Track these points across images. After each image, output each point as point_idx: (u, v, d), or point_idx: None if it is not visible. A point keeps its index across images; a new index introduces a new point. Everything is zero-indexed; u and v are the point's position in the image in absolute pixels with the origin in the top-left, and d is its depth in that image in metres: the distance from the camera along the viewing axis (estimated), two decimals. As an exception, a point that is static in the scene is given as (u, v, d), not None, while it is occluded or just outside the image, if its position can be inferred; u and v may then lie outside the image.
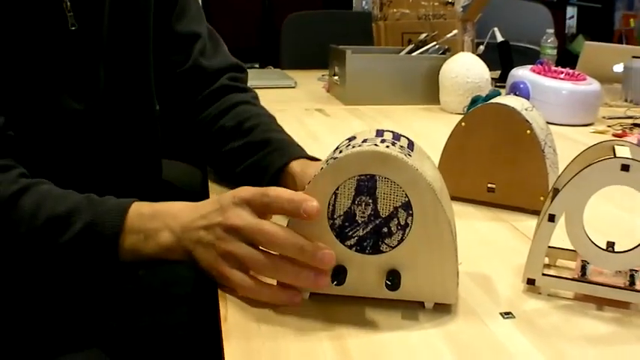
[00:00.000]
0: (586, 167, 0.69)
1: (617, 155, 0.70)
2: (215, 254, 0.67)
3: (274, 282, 0.67)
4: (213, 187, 1.05)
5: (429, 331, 0.63)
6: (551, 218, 0.70)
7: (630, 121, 1.69)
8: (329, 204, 0.64)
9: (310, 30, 2.66)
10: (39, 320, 0.88)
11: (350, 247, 0.65)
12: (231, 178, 1.04)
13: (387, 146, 0.64)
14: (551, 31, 2.47)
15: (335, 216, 0.64)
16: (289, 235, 0.65)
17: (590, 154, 0.77)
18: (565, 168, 0.79)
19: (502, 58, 2.23)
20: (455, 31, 1.92)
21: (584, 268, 0.72)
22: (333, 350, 0.60)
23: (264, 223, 0.66)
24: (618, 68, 2.13)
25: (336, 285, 0.65)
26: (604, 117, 1.74)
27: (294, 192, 0.66)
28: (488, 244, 0.86)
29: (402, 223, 0.64)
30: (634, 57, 2.03)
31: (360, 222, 0.64)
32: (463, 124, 0.99)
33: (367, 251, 0.65)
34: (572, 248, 0.77)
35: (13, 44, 0.85)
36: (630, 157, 0.68)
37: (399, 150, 0.64)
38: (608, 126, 1.63)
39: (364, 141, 0.65)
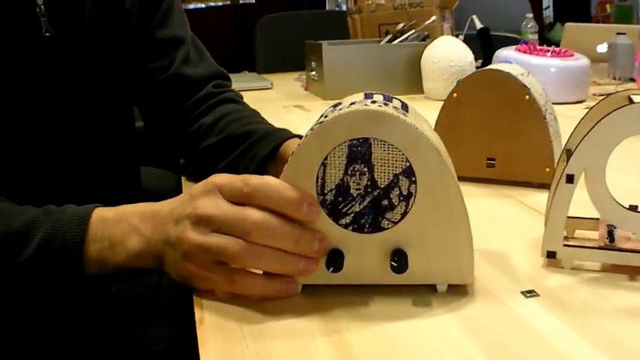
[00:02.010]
0: (605, 116, 0.60)
1: (636, 102, 0.62)
2: (181, 251, 0.58)
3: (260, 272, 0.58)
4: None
5: (444, 318, 0.54)
6: (570, 179, 0.62)
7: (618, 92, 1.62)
8: (317, 177, 0.55)
9: (284, 32, 2.59)
10: (10, 345, 0.79)
11: (346, 226, 0.56)
12: None
13: (380, 106, 0.55)
14: (531, 15, 2.41)
15: (325, 191, 0.55)
16: (280, 222, 0.56)
17: (603, 107, 0.69)
18: (576, 126, 0.71)
19: (483, 45, 2.16)
20: (433, 17, 1.85)
21: (611, 234, 0.64)
22: (330, 348, 0.51)
23: (247, 209, 0.56)
24: (602, 48, 2.07)
25: (332, 272, 0.56)
26: (594, 94, 1.67)
27: (285, 183, 0.56)
28: (497, 221, 0.77)
29: (405, 192, 0.55)
30: (618, 33, 1.98)
31: (355, 195, 0.55)
32: (455, 95, 0.91)
33: (366, 230, 0.56)
34: (590, 216, 0.70)
35: None
36: (654, 102, 0.60)
37: (394, 110, 0.55)
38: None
39: (352, 104, 0.56)
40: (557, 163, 0.72)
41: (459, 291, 0.58)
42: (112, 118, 0.96)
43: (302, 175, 0.55)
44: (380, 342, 0.51)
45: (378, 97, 0.58)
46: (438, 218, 0.55)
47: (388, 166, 0.54)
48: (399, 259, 0.55)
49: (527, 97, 0.87)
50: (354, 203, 0.55)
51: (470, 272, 0.57)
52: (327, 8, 4.01)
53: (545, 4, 4.26)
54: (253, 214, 0.55)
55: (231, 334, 0.53)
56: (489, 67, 0.92)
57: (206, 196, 0.58)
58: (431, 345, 0.51)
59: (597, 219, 0.70)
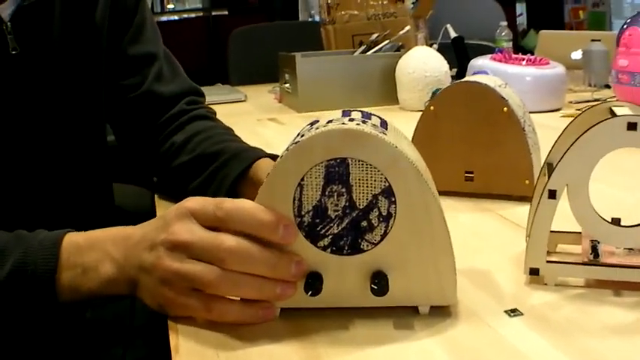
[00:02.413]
0: (587, 130, 0.59)
1: (618, 115, 0.61)
2: (156, 278, 0.56)
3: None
4: (162, 208, 0.93)
5: (428, 341, 0.53)
6: (552, 194, 0.60)
7: (599, 103, 1.62)
8: (294, 199, 0.53)
9: (257, 44, 2.56)
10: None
11: (324, 248, 0.54)
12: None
13: (358, 124, 0.53)
14: (505, 23, 2.41)
15: (303, 212, 0.53)
16: (256, 248, 0.54)
17: (585, 119, 0.68)
18: (557, 139, 0.70)
19: (458, 54, 2.15)
20: (407, 27, 1.84)
21: (595, 249, 0.63)
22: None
23: (221, 235, 0.55)
24: (576, 55, 2.07)
25: (310, 296, 0.54)
26: (570, 102, 1.67)
27: (259, 206, 0.54)
28: (477, 236, 0.76)
29: (384, 213, 0.53)
30: (593, 40, 1.98)
31: (333, 217, 0.53)
32: (432, 108, 0.90)
33: (345, 251, 0.54)
34: (572, 230, 0.68)
35: None
36: (636, 114, 0.59)
37: (372, 128, 0.53)
38: (578, 110, 1.56)
39: (329, 122, 0.54)
40: (538, 177, 0.71)
41: (441, 312, 0.57)
42: (83, 135, 0.94)
43: (278, 196, 0.53)
44: (362, 369, 0.49)
45: (356, 115, 0.56)
46: (419, 239, 0.54)
47: (367, 187, 0.53)
48: (379, 282, 0.53)
49: (505, 109, 0.86)
50: (332, 225, 0.53)
51: (453, 293, 0.56)
52: (300, 19, 4.00)
53: (518, 11, 4.29)
54: (227, 240, 0.54)
55: (208, 363, 0.51)
56: (466, 79, 0.91)
57: (180, 221, 0.56)
58: (415, 371, 0.49)
59: (580, 233, 0.69)
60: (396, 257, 0.54)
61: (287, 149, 0.53)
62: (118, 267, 0.59)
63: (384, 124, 0.57)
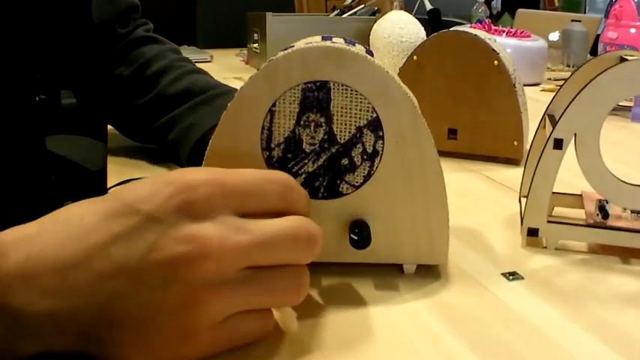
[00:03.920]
0: (601, 74, 0.51)
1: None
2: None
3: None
4: (113, 165, 0.82)
5: (415, 304, 0.44)
6: (558, 144, 0.53)
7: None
8: (263, 128, 0.44)
9: (226, 6, 2.45)
10: None
11: (296, 190, 0.45)
12: (142, 150, 0.82)
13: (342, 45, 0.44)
14: (482, 0, 2.35)
15: (272, 145, 0.44)
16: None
17: (591, 68, 0.60)
18: (558, 90, 0.62)
19: (433, 27, 2.08)
20: (384, -7, 1.75)
21: (603, 209, 0.55)
22: (284, 343, 0.40)
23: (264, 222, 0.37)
24: (554, 36, 2.02)
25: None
26: (549, 79, 1.60)
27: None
28: (464, 196, 0.68)
29: (369, 150, 0.44)
30: (573, 20, 1.93)
31: (308, 152, 0.44)
32: (415, 57, 0.81)
33: (321, 194, 0.45)
34: (571, 192, 0.61)
35: None
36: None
37: (358, 50, 0.45)
38: (557, 85, 1.50)
39: (308, 44, 0.46)
40: (536, 131, 0.63)
41: (430, 273, 0.49)
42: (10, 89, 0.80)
43: (243, 124, 0.44)
44: (336, 332, 0.41)
45: (339, 40, 0.48)
46: (409, 183, 0.45)
47: (350, 117, 0.44)
48: (360, 232, 0.45)
49: (495, 62, 0.78)
50: (306, 161, 0.45)
51: (444, 251, 0.48)
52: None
53: (492, -6, 4.23)
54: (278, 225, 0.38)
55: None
56: (454, 28, 0.83)
57: (184, 224, 0.36)
58: (401, 337, 0.41)
59: (580, 195, 0.62)
60: (380, 204, 0.45)
61: (257, 70, 0.44)
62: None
63: (369, 53, 0.49)
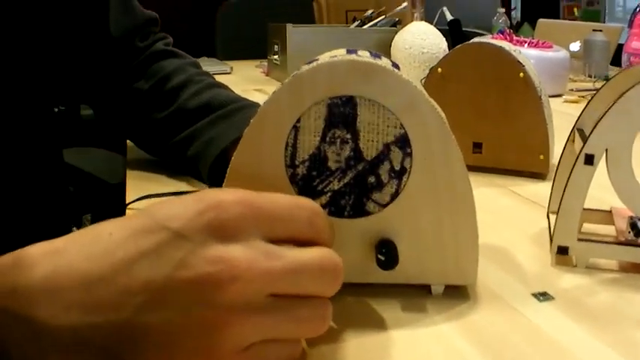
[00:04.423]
0: (633, 87, 0.50)
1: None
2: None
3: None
4: (132, 179, 0.81)
5: (444, 327, 0.43)
6: (589, 159, 0.51)
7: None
8: (287, 144, 0.43)
9: (246, 18, 2.44)
10: None
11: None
12: (162, 163, 0.82)
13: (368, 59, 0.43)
14: (503, 10, 2.33)
15: (297, 162, 0.43)
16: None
17: (620, 81, 0.59)
18: (588, 103, 0.61)
19: (454, 38, 2.06)
20: (404, 4, 1.74)
21: (635, 227, 0.53)
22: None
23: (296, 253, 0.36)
24: (575, 47, 1.99)
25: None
26: (571, 90, 1.58)
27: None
28: (491, 213, 0.66)
29: (397, 167, 0.43)
30: (594, 30, 1.91)
31: (334, 169, 0.43)
32: (439, 70, 0.80)
33: (347, 213, 0.44)
34: (600, 208, 0.59)
35: None
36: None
37: (384, 63, 0.44)
38: (581, 96, 1.47)
39: (332, 57, 0.44)
40: (565, 145, 0.62)
41: (458, 294, 0.47)
42: (29, 99, 0.80)
43: (267, 141, 0.43)
44: (366, 356, 0.40)
45: (364, 54, 0.47)
46: (438, 202, 0.44)
47: (377, 133, 0.43)
48: (387, 252, 0.43)
49: (521, 74, 0.76)
50: (332, 179, 0.43)
51: (473, 271, 0.46)
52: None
53: (512, 4, 4.21)
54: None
55: None
56: (478, 39, 0.81)
57: (216, 245, 0.35)
58: (433, 358, 0.39)
59: (609, 211, 0.60)
60: (407, 223, 0.44)
61: (281, 84, 0.43)
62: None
63: (396, 66, 0.47)
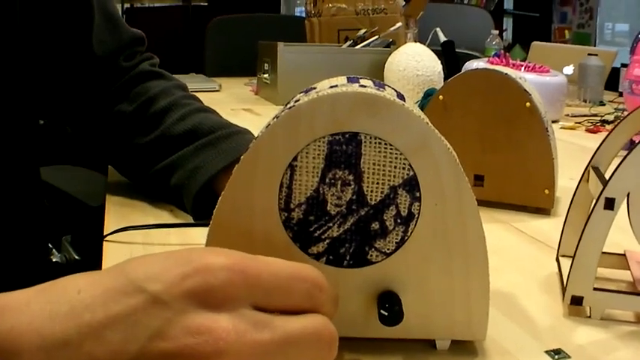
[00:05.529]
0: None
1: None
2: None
3: None
4: (112, 205, 0.76)
5: (450, 389, 0.39)
6: (610, 204, 0.47)
7: (598, 118, 1.51)
8: (281, 185, 0.38)
9: (236, 35, 2.41)
10: None
11: (317, 256, 0.39)
12: (143, 189, 0.76)
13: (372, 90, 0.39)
14: (496, 32, 2.31)
15: (292, 205, 0.39)
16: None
17: (636, 119, 0.55)
18: (604, 140, 0.57)
19: (447, 59, 2.03)
20: (399, 24, 1.71)
21: (657, 277, 0.49)
22: None
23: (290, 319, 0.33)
24: (568, 70, 1.97)
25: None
26: (567, 115, 1.55)
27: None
28: (495, 253, 0.61)
29: (404, 213, 0.39)
30: (590, 54, 1.88)
31: (333, 214, 0.39)
32: (441, 97, 0.76)
33: (346, 263, 0.40)
34: (611, 251, 0.55)
35: None
36: None
37: (389, 94, 0.39)
38: (577, 123, 1.44)
39: (333, 87, 0.40)
40: (578, 184, 0.57)
41: (465, 349, 0.43)
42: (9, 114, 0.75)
43: (259, 180, 0.38)
44: None
45: (367, 83, 0.42)
46: (447, 250, 0.39)
47: (383, 175, 0.38)
48: (390, 307, 0.39)
49: (527, 104, 0.72)
50: (331, 225, 0.39)
51: (482, 326, 0.42)
52: (281, 10, 3.84)
53: (504, 25, 4.20)
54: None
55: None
56: (484, 65, 0.77)
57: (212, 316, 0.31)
58: None
59: (622, 254, 0.56)
60: (413, 273, 0.40)
61: (276, 117, 0.39)
62: None
63: (401, 97, 0.43)
